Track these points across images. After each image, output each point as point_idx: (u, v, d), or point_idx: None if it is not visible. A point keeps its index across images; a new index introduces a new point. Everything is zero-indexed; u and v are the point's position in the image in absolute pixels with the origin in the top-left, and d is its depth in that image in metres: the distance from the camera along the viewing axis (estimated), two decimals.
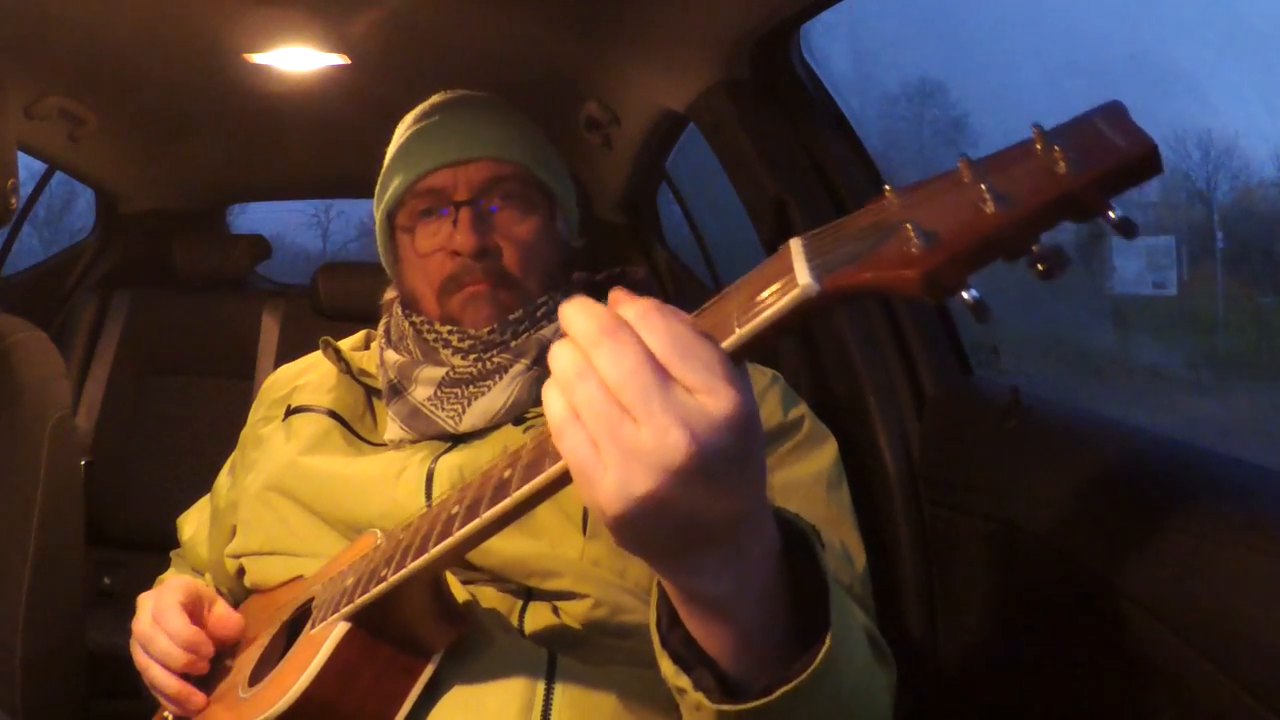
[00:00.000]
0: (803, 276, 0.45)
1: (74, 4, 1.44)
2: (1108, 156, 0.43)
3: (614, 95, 1.77)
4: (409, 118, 1.02)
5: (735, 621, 0.54)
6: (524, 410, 0.90)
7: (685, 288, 2.22)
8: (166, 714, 0.87)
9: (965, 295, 0.43)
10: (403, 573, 0.64)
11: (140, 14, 1.48)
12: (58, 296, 2.46)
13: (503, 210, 0.94)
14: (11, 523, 1.20)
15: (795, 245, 0.48)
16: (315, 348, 1.02)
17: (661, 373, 0.47)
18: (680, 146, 2.00)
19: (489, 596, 0.81)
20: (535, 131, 1.00)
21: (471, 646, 0.73)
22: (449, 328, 0.93)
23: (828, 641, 0.54)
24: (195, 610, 0.88)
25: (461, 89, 1.05)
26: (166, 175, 2.42)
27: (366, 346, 1.05)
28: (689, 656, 0.56)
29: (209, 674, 0.86)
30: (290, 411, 0.98)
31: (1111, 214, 0.43)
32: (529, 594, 0.81)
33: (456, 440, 0.90)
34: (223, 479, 1.07)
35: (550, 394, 0.49)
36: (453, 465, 0.86)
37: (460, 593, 0.79)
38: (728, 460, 0.47)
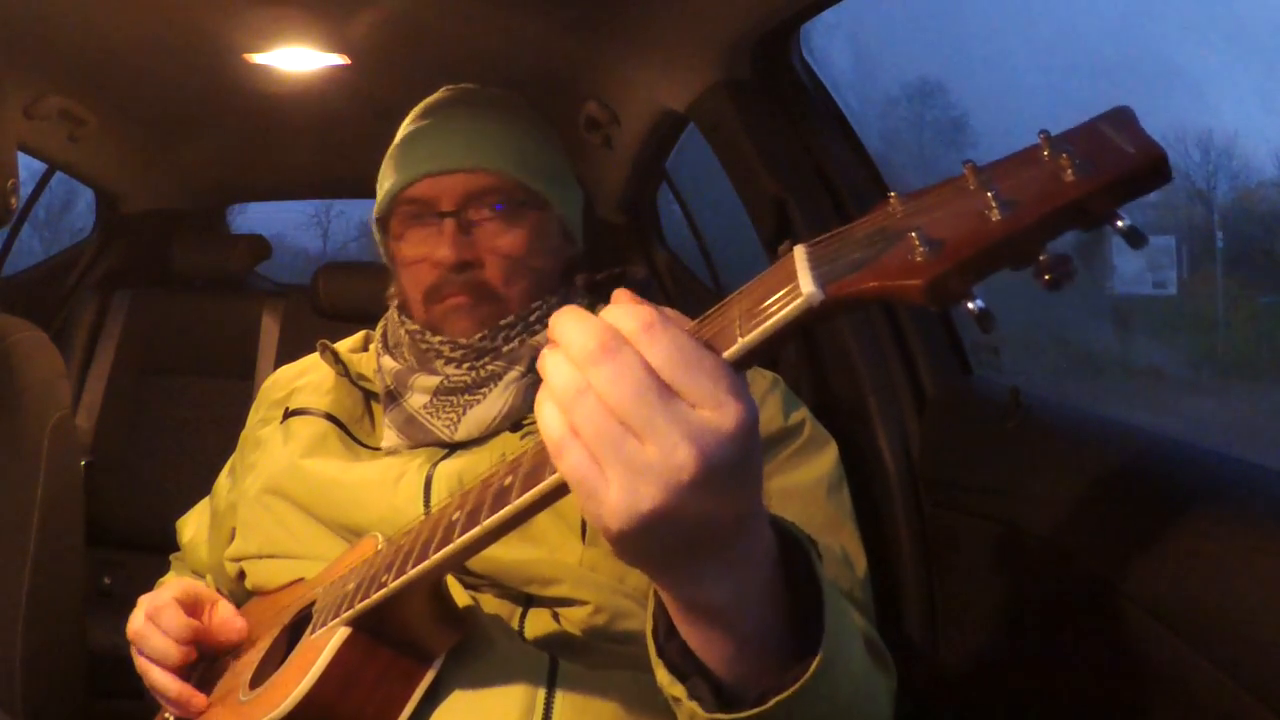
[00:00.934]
0: (806, 285, 0.45)
1: (74, 4, 1.44)
2: (1116, 164, 0.42)
3: (614, 95, 1.77)
4: (409, 116, 1.01)
5: (733, 630, 0.53)
6: (520, 417, 0.89)
7: (685, 288, 2.23)
8: (167, 715, 0.87)
9: (970, 305, 0.43)
10: (403, 579, 0.64)
11: (140, 14, 1.48)
12: (58, 296, 2.46)
13: (487, 222, 0.92)
14: (11, 523, 1.20)
15: (799, 253, 0.47)
16: (315, 348, 1.01)
17: (664, 388, 0.46)
18: (680, 146, 2.00)
19: (489, 603, 0.81)
20: (535, 133, 0.98)
21: (472, 651, 0.73)
22: (440, 338, 0.92)
23: (822, 650, 0.53)
24: (193, 609, 0.88)
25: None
26: (166, 175, 2.42)
27: (365, 348, 1.05)
28: (685, 665, 0.56)
29: (209, 676, 0.86)
30: (289, 414, 0.98)
31: (1119, 223, 0.42)
32: (528, 601, 0.81)
33: (454, 447, 0.89)
34: (222, 480, 1.07)
35: (546, 411, 0.48)
36: (451, 472, 0.85)
37: (461, 597, 0.79)
38: (733, 470, 0.47)
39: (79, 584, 1.37)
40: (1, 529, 1.19)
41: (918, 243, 0.43)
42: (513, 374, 0.90)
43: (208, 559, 1.05)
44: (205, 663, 0.88)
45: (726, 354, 0.47)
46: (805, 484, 0.87)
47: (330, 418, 0.95)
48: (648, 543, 0.48)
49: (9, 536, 1.20)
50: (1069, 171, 0.42)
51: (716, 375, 0.47)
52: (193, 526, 1.11)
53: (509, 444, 0.88)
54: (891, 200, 0.47)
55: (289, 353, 1.66)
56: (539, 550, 0.81)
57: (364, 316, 1.18)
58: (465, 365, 0.91)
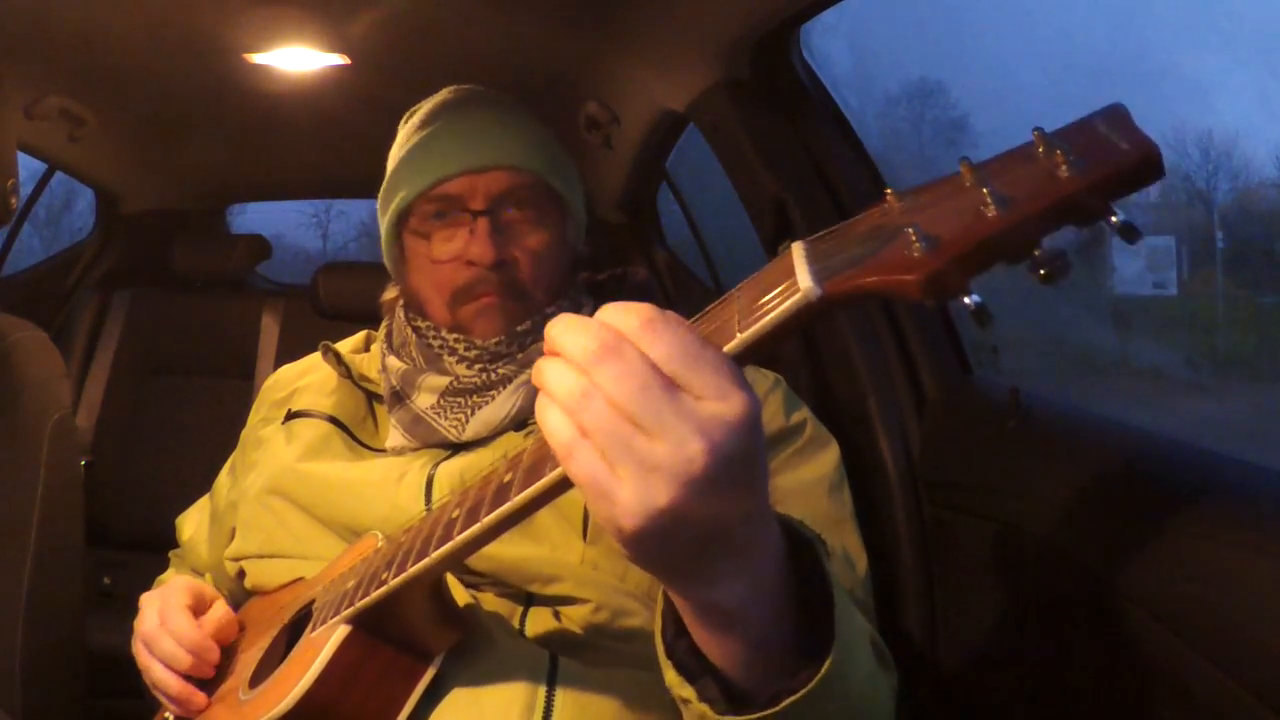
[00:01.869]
0: (804, 280, 0.45)
1: (74, 4, 1.44)
2: (1110, 160, 0.43)
3: (614, 95, 1.77)
4: (415, 117, 1.00)
5: (746, 631, 0.53)
6: (526, 418, 0.89)
7: (685, 288, 2.23)
8: (167, 714, 0.87)
9: (967, 300, 0.43)
10: (403, 576, 0.64)
11: (140, 14, 1.48)
12: (58, 296, 2.46)
13: (518, 221, 0.92)
14: (11, 523, 1.20)
15: (797, 249, 0.48)
16: (315, 348, 1.01)
17: (669, 383, 0.46)
18: (680, 146, 2.01)
19: (490, 601, 0.81)
20: (547, 135, 0.99)
21: (473, 648, 0.73)
22: (456, 336, 0.92)
23: (834, 651, 0.53)
24: (201, 613, 0.88)
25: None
26: (166, 175, 2.42)
27: (366, 348, 1.05)
28: (694, 666, 0.56)
29: (210, 675, 0.86)
30: (291, 415, 0.98)
31: (1114, 218, 0.43)
32: (529, 599, 0.81)
33: (458, 447, 0.89)
34: (223, 479, 1.07)
35: (551, 416, 0.48)
36: (453, 471, 0.85)
37: (461, 595, 0.79)
38: (742, 462, 0.47)
39: (79, 584, 1.36)
40: (1, 529, 1.19)
41: (914, 238, 0.43)
42: (523, 377, 0.90)
43: (207, 557, 1.05)
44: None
45: (727, 348, 0.48)
46: (807, 483, 0.87)
47: (333, 420, 0.95)
48: (661, 542, 0.48)
49: (9, 536, 1.20)
50: (1064, 168, 0.43)
51: (719, 367, 0.47)
52: (192, 525, 1.11)
53: (512, 443, 0.88)
54: (889, 197, 0.47)
55: (289, 353, 1.66)
56: (540, 548, 0.81)
57: (364, 316, 1.18)
58: (478, 367, 0.91)
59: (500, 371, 0.90)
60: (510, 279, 0.91)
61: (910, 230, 0.44)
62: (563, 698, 0.71)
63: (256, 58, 1.65)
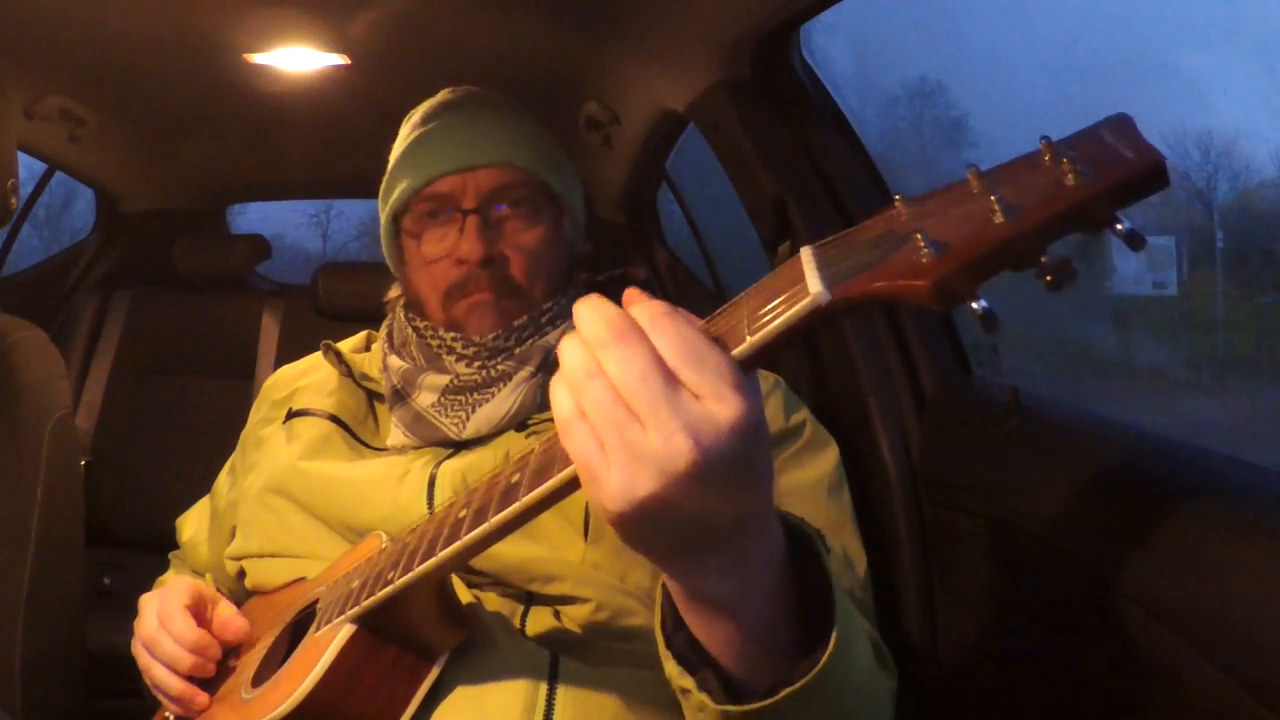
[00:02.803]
0: (814, 285, 0.46)
1: (74, 4, 1.44)
2: (1116, 169, 0.43)
3: (614, 95, 1.77)
4: (415, 116, 1.01)
5: (739, 622, 0.54)
6: (527, 416, 0.89)
7: (685, 288, 2.23)
8: (168, 714, 0.87)
9: (974, 306, 0.44)
10: (409, 576, 0.64)
11: (140, 14, 1.48)
12: (58, 296, 2.46)
13: (510, 218, 0.93)
14: (11, 523, 1.20)
15: (806, 254, 0.48)
16: (315, 348, 1.01)
17: (670, 378, 0.47)
18: (680, 146, 2.01)
19: (491, 601, 0.81)
20: (545, 133, 0.99)
21: (474, 648, 0.73)
22: (453, 334, 0.92)
23: (832, 643, 0.54)
24: (201, 613, 0.88)
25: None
26: (166, 175, 2.42)
27: (367, 348, 1.05)
28: (693, 658, 0.57)
29: (212, 675, 0.86)
30: (291, 414, 0.98)
31: (1119, 226, 0.43)
32: (530, 599, 0.81)
33: (459, 446, 0.89)
34: (223, 479, 1.07)
35: (559, 391, 0.50)
36: (455, 470, 0.85)
37: (463, 595, 0.79)
38: (733, 465, 0.47)
39: (79, 584, 1.36)
40: (1, 529, 1.19)
41: (923, 244, 0.44)
42: (523, 373, 0.90)
43: (208, 558, 1.05)
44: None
45: (735, 352, 0.48)
46: (806, 484, 0.88)
47: (334, 419, 0.95)
48: (647, 529, 0.49)
49: (9, 536, 1.20)
50: (1070, 176, 0.43)
51: (721, 369, 0.47)
52: (192, 525, 1.11)
53: (514, 443, 0.88)
54: (897, 203, 0.48)
55: (289, 353, 1.66)
56: (541, 548, 0.81)
57: (364, 316, 1.19)
58: (477, 364, 0.91)
59: (500, 368, 0.90)
60: (502, 276, 0.92)
61: (919, 236, 0.44)
62: (564, 697, 0.72)
63: (256, 58, 1.65)
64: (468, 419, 0.89)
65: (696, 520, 0.49)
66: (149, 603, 0.89)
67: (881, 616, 0.87)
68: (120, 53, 1.65)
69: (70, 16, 1.48)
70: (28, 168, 1.69)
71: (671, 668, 0.58)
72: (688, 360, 0.47)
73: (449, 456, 0.88)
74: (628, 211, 2.36)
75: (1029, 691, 0.98)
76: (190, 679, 0.84)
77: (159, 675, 0.84)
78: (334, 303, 2.26)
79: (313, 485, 0.89)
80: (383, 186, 0.99)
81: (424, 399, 0.91)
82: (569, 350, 0.50)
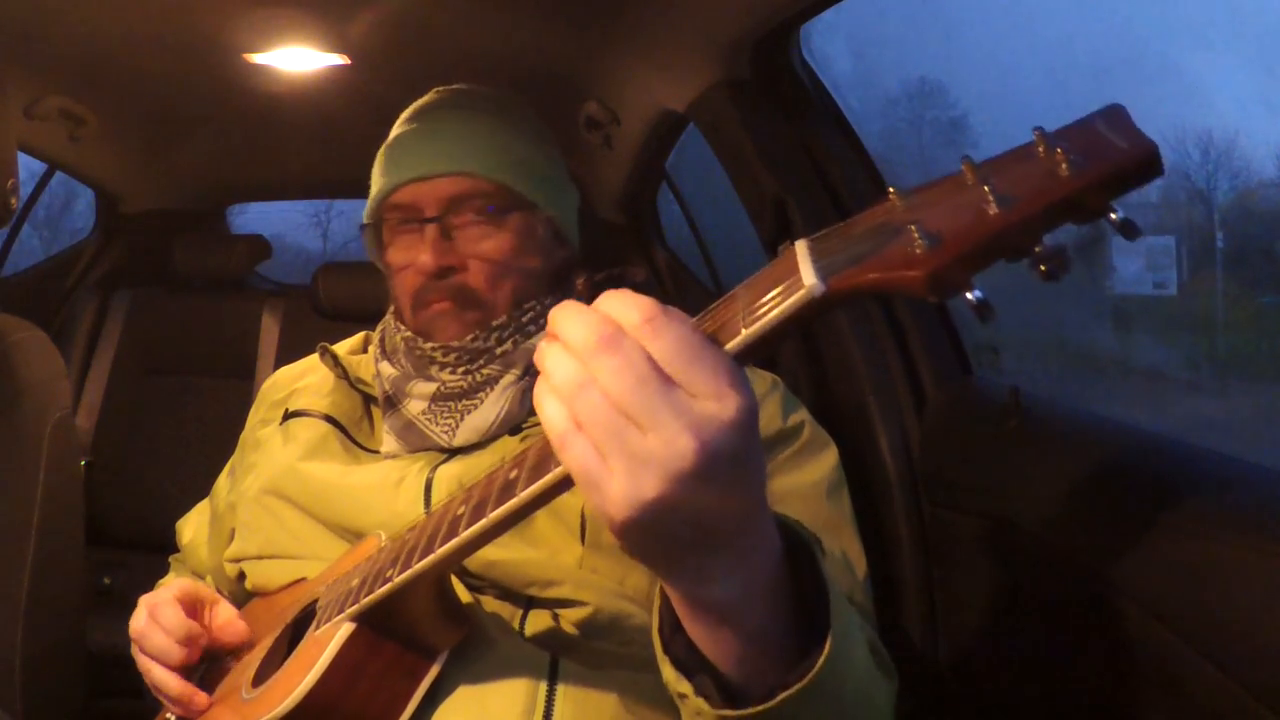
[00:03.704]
0: (808, 277, 0.46)
1: (74, 4, 1.44)
2: (1109, 158, 0.43)
3: (614, 95, 1.77)
4: (402, 117, 1.01)
5: (739, 627, 0.54)
6: (518, 421, 0.89)
7: (685, 288, 2.23)
8: (169, 715, 0.87)
9: (969, 296, 0.44)
10: (409, 573, 0.64)
11: (140, 14, 1.48)
12: (58, 296, 2.46)
13: (470, 226, 0.91)
14: (11, 523, 1.20)
15: (800, 247, 0.48)
16: (315, 348, 1.01)
17: (666, 379, 0.47)
18: (680, 146, 2.01)
19: (490, 605, 0.81)
20: (524, 133, 0.97)
21: (474, 648, 0.73)
22: (431, 344, 0.92)
23: (828, 645, 0.54)
24: (193, 608, 0.88)
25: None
26: (166, 175, 2.42)
27: (364, 350, 1.05)
28: (691, 662, 0.57)
29: (212, 675, 0.86)
30: (289, 415, 0.98)
31: (1113, 215, 0.43)
32: (529, 603, 0.81)
33: (454, 451, 0.89)
34: (222, 481, 1.07)
35: (548, 404, 0.49)
36: (451, 475, 0.85)
37: (464, 596, 0.79)
38: (733, 462, 0.47)
39: (79, 584, 1.37)
40: (1, 529, 1.19)
41: (917, 236, 0.44)
42: (509, 378, 0.89)
43: (208, 560, 1.05)
44: (207, 663, 0.88)
45: (730, 346, 0.48)
46: (805, 486, 0.87)
47: (330, 420, 0.95)
48: (651, 535, 0.49)
49: (9, 536, 1.20)
50: (1064, 166, 0.43)
51: (717, 367, 0.47)
52: (192, 527, 1.10)
53: (508, 448, 0.87)
54: (891, 195, 0.48)
55: (289, 353, 1.66)
56: (539, 552, 0.81)
57: (364, 317, 1.18)
58: (461, 370, 0.91)
59: (484, 372, 0.90)
60: (458, 285, 0.90)
61: (913, 228, 0.44)
62: (563, 697, 0.72)
63: (256, 58, 1.65)
64: (456, 426, 0.88)
65: (699, 522, 0.49)
66: (142, 602, 0.89)
67: (881, 616, 0.87)
68: (120, 53, 1.65)
69: (70, 17, 1.48)
70: (28, 168, 1.69)
71: (669, 672, 0.58)
72: (682, 360, 0.47)
73: (445, 461, 0.88)
74: (628, 211, 2.36)
75: (1029, 691, 0.98)
76: (190, 680, 0.84)
77: (157, 675, 0.84)
78: (334, 303, 2.26)
79: (310, 488, 0.89)
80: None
81: (414, 407, 0.91)
82: (556, 361, 0.49)
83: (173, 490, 2.15)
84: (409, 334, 0.94)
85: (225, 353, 2.36)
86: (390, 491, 0.85)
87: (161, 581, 1.08)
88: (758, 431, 0.49)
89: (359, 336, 1.07)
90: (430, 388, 0.91)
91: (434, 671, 0.70)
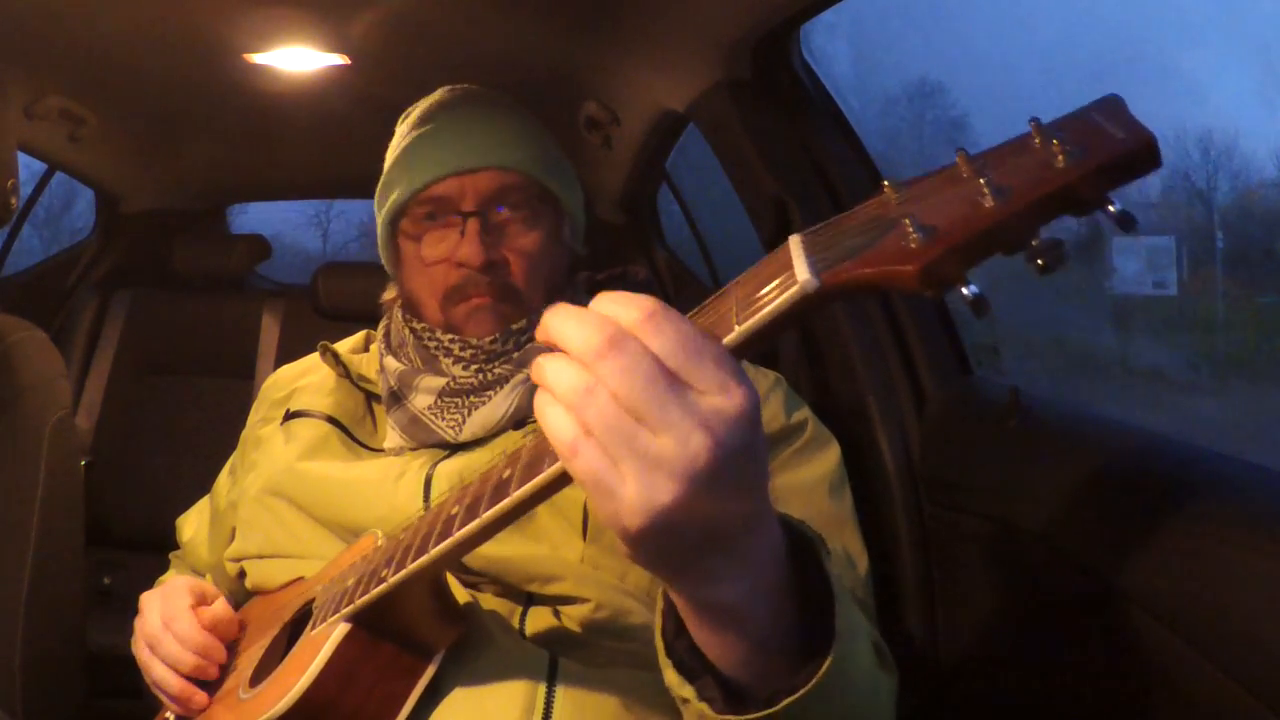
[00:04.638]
0: (802, 272, 0.45)
1: (74, 4, 1.44)
2: (1106, 149, 0.43)
3: (614, 95, 1.76)
4: (411, 116, 1.00)
5: (746, 630, 0.53)
6: (524, 417, 0.89)
7: (685, 288, 2.23)
8: (168, 714, 0.87)
9: (964, 290, 0.43)
10: (403, 573, 0.64)
11: (140, 14, 1.48)
12: (58, 296, 2.46)
13: (510, 221, 0.92)
14: (11, 523, 1.20)
15: (794, 242, 0.48)
16: (315, 348, 1.01)
17: (672, 377, 0.46)
18: (680, 146, 2.00)
19: (489, 601, 0.81)
20: (543, 134, 0.98)
21: (473, 647, 0.73)
22: (450, 336, 0.92)
23: (833, 651, 0.53)
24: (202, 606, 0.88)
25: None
26: (166, 175, 2.42)
27: (366, 348, 1.05)
28: (694, 665, 0.56)
29: (215, 678, 0.86)
30: (290, 415, 0.98)
31: (1111, 207, 0.43)
32: (529, 599, 0.81)
33: (456, 447, 0.89)
34: (223, 480, 1.07)
35: (553, 413, 0.47)
36: (452, 471, 0.85)
37: (461, 595, 0.79)
38: (743, 457, 0.47)
39: (79, 584, 1.37)
40: (1, 529, 1.19)
41: (911, 229, 0.43)
42: (520, 376, 0.90)
43: (208, 558, 1.05)
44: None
45: (725, 341, 0.48)
46: (807, 483, 0.87)
47: (331, 420, 0.95)
48: (664, 540, 0.48)
49: (9, 536, 1.20)
50: (1060, 157, 0.43)
51: (721, 361, 0.46)
52: (192, 525, 1.11)
53: (511, 442, 0.87)
54: (886, 188, 0.47)
55: (289, 353, 1.66)
56: (540, 547, 0.81)
57: (364, 316, 1.18)
58: (474, 367, 0.91)
59: (496, 371, 0.90)
60: (501, 280, 0.91)
61: (907, 221, 0.44)
62: (563, 697, 0.71)
63: (256, 58, 1.65)
64: (464, 421, 0.88)
65: (710, 523, 0.48)
66: (151, 601, 0.89)
67: (881, 616, 0.87)
68: (120, 53, 1.65)
69: (70, 16, 1.48)
70: (28, 168, 1.69)
71: (671, 676, 0.57)
72: (686, 357, 0.46)
73: (446, 457, 0.88)
74: (628, 211, 2.36)
75: (1029, 691, 0.98)
76: (190, 679, 0.84)
77: (159, 673, 0.84)
78: (334, 303, 2.26)
79: (310, 486, 0.89)
80: (379, 188, 0.98)
81: (420, 401, 0.91)
82: (559, 370, 0.47)
83: (173, 490, 2.13)
84: (421, 327, 0.94)
85: (225, 352, 2.36)
86: (390, 487, 0.85)
87: (161, 579, 1.08)
88: (762, 426, 0.48)
89: (360, 335, 1.07)
90: (439, 382, 0.90)
91: (431, 671, 0.70)
